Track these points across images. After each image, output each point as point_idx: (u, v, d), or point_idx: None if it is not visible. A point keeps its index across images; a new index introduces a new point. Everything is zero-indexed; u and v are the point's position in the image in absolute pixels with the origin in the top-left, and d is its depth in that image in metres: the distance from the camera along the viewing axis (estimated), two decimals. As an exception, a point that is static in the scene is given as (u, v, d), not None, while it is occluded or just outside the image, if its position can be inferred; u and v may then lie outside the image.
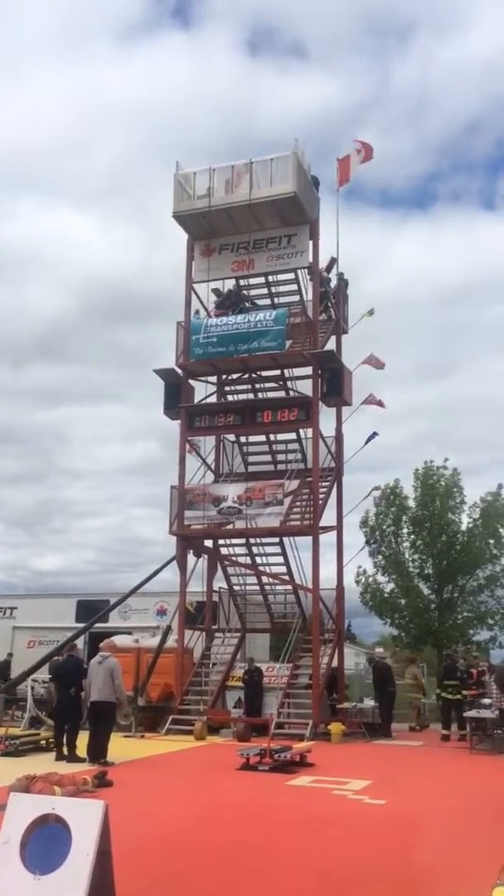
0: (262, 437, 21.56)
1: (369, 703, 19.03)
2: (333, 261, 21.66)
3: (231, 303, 21.16)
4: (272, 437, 21.45)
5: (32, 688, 17.86)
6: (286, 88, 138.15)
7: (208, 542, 20.82)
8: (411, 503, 26.40)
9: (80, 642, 18.82)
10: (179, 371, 20.48)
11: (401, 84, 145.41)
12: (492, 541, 25.63)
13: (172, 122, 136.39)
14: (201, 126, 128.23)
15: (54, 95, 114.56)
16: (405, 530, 26.49)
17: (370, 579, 26.36)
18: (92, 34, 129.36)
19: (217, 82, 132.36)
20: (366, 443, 21.18)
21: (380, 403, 21.57)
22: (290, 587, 20.98)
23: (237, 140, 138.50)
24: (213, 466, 21.59)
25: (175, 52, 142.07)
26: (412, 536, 26.40)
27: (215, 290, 21.36)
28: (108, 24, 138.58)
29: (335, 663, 19.74)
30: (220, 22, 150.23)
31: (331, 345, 20.80)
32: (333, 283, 21.61)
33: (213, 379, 21.40)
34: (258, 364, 20.17)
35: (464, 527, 25.93)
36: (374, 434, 21.22)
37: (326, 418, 20.44)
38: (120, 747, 13.55)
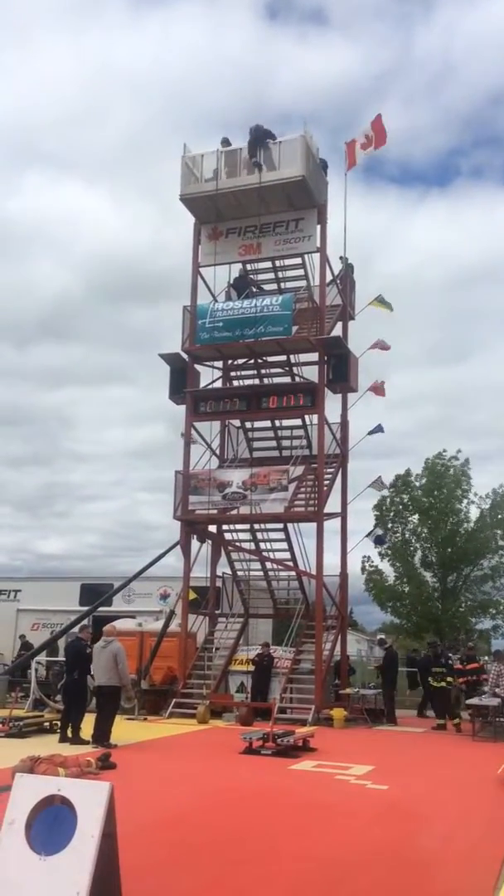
0: (268, 423, 21.49)
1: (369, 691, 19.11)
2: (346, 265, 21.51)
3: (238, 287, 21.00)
4: (277, 422, 21.39)
5: (36, 670, 17.94)
6: (305, 56, 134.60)
7: (212, 528, 20.81)
8: (418, 492, 26.41)
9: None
10: (185, 356, 20.41)
11: (423, 53, 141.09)
12: (499, 531, 25.60)
13: (186, 91, 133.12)
14: (216, 95, 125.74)
15: (63, 64, 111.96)
16: (414, 517, 26.52)
17: (373, 568, 26.41)
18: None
19: (233, 49, 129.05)
20: (370, 433, 21.15)
21: (377, 390, 21.32)
22: (293, 573, 20.99)
23: (253, 109, 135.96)
24: (217, 452, 21.55)
25: (191, 17, 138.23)
26: (417, 524, 26.43)
27: (235, 286, 21.17)
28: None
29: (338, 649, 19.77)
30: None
31: (337, 330, 20.69)
32: (339, 270, 21.42)
33: (219, 364, 21.31)
34: (264, 349, 20.06)
35: (472, 515, 25.94)
36: (380, 428, 21.16)
37: (332, 404, 20.38)
38: (123, 730, 13.60)
